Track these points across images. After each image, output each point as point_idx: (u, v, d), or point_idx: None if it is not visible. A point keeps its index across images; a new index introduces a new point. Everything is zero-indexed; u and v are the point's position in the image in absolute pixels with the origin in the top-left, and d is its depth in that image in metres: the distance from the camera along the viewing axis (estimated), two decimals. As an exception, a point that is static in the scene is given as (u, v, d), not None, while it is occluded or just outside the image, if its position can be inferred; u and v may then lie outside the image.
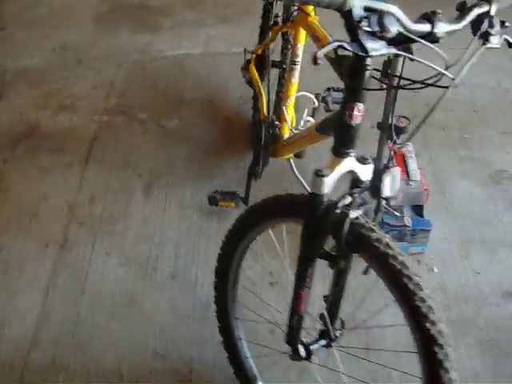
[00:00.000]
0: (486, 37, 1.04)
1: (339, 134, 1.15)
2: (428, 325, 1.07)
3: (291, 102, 1.97)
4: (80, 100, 2.79)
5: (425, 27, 0.97)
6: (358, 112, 1.11)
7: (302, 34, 1.85)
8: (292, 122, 1.99)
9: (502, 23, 1.07)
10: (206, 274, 1.94)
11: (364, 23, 0.88)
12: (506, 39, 1.10)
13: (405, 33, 0.93)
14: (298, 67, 1.86)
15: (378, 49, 0.91)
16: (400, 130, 2.06)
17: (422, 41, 0.95)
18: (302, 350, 1.33)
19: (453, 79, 0.98)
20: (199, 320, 1.83)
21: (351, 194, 1.16)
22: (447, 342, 1.05)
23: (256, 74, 2.13)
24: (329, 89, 1.91)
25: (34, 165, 2.44)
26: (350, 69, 1.06)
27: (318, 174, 1.13)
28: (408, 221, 1.91)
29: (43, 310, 1.88)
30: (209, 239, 2.07)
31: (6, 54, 3.14)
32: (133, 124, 2.64)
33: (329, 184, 1.14)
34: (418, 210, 1.98)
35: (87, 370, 1.72)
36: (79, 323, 1.84)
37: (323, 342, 1.36)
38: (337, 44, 0.91)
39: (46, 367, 1.73)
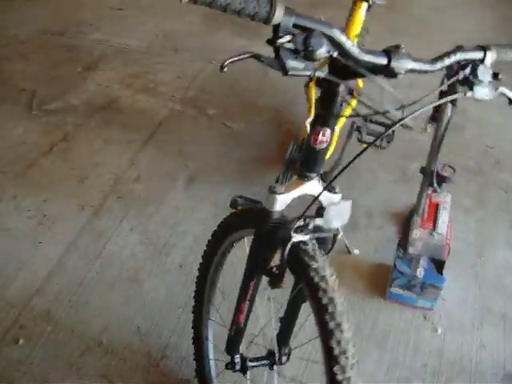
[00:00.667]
0: (469, 85, 0.99)
1: (304, 156, 1.15)
2: (339, 373, 1.04)
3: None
4: (162, 86, 2.95)
5: (379, 59, 0.94)
6: (323, 137, 1.09)
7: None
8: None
9: (495, 75, 1.01)
10: (209, 271, 1.98)
11: (286, 40, 0.87)
12: (504, 94, 1.04)
13: (338, 57, 0.90)
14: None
15: (299, 69, 0.89)
16: (442, 179, 1.98)
17: (367, 72, 0.92)
18: (237, 362, 1.33)
19: (401, 119, 0.94)
20: (188, 313, 1.87)
21: (305, 218, 1.15)
22: None
23: (312, 93, 2.13)
24: (365, 119, 1.88)
25: (101, 135, 2.62)
26: (322, 93, 1.05)
27: (271, 191, 1.13)
28: (420, 272, 1.82)
29: (57, 265, 2.03)
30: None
31: (114, 32, 3.40)
32: (200, 118, 2.74)
33: (282, 202, 1.13)
34: (438, 264, 1.88)
35: (72, 329, 1.83)
36: (83, 285, 1.96)
37: (265, 362, 1.35)
38: (248, 55, 0.91)
39: (40, 315, 1.87)
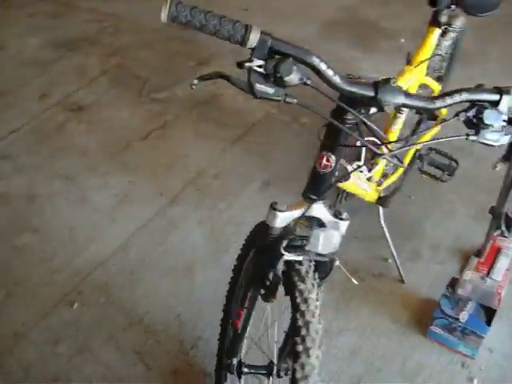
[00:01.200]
0: (476, 128, 0.93)
1: (310, 177, 1.15)
2: None
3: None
4: (264, 89, 3.02)
5: (365, 91, 0.91)
6: (327, 162, 1.09)
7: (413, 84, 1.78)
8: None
9: (510, 121, 0.94)
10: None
11: (255, 64, 0.87)
12: None
13: (312, 86, 0.89)
14: (402, 116, 1.78)
15: (269, 94, 0.89)
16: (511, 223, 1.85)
17: (345, 106, 0.91)
18: (234, 364, 1.36)
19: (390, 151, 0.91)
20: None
21: (302, 238, 1.15)
22: None
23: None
24: (431, 149, 1.80)
25: (195, 129, 2.75)
26: (332, 118, 1.05)
27: (272, 207, 1.14)
28: (463, 316, 1.71)
29: (125, 243, 2.18)
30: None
31: (233, 31, 3.53)
32: (292, 125, 2.78)
33: (282, 219, 1.14)
34: (489, 312, 1.75)
35: (122, 304, 1.97)
36: (142, 267, 2.10)
37: (262, 371, 1.37)
38: (217, 76, 0.93)
39: (98, 286, 2.03)
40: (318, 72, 0.90)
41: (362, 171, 1.59)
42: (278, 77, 0.87)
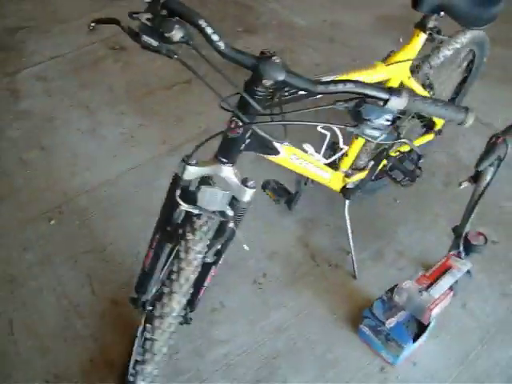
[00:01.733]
0: (358, 120, 0.99)
1: (221, 140, 1.23)
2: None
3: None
4: (295, 67, 3.06)
5: (246, 61, 1.01)
6: (235, 127, 1.17)
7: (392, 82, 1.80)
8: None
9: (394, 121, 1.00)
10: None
11: (144, 17, 0.95)
12: (406, 143, 1.01)
13: (194, 47, 0.96)
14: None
15: (151, 45, 0.98)
16: (470, 247, 1.84)
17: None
18: (139, 300, 1.49)
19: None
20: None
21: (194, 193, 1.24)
22: None
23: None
24: (403, 153, 1.83)
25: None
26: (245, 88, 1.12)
27: (183, 160, 1.24)
28: (390, 322, 1.74)
29: (115, 178, 2.34)
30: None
31: (290, 7, 3.56)
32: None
33: (190, 172, 1.24)
34: (421, 327, 1.77)
35: (93, 231, 2.14)
36: (122, 202, 2.25)
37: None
38: (111, 22, 1.01)
39: (77, 210, 2.21)
40: (205, 35, 0.97)
41: (311, 154, 1.62)
42: (160, 32, 0.96)
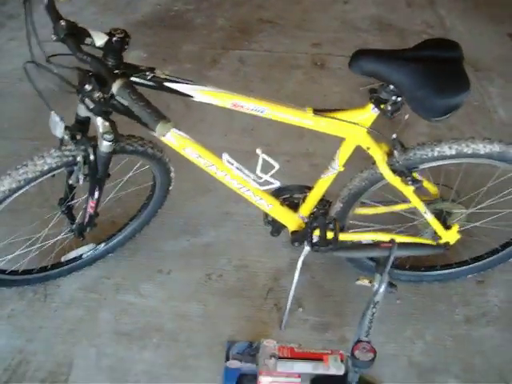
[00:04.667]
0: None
1: None
2: None
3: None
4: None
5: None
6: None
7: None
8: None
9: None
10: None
11: None
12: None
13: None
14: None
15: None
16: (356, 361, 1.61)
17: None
18: (75, 229, 1.95)
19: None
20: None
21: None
22: None
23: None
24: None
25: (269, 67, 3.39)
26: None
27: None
28: (231, 363, 1.84)
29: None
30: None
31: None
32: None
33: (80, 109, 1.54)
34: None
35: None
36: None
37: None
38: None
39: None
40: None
41: (232, 163, 1.62)
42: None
